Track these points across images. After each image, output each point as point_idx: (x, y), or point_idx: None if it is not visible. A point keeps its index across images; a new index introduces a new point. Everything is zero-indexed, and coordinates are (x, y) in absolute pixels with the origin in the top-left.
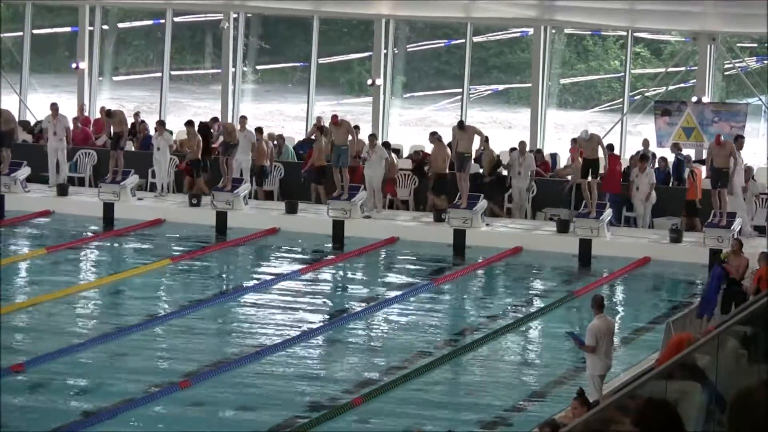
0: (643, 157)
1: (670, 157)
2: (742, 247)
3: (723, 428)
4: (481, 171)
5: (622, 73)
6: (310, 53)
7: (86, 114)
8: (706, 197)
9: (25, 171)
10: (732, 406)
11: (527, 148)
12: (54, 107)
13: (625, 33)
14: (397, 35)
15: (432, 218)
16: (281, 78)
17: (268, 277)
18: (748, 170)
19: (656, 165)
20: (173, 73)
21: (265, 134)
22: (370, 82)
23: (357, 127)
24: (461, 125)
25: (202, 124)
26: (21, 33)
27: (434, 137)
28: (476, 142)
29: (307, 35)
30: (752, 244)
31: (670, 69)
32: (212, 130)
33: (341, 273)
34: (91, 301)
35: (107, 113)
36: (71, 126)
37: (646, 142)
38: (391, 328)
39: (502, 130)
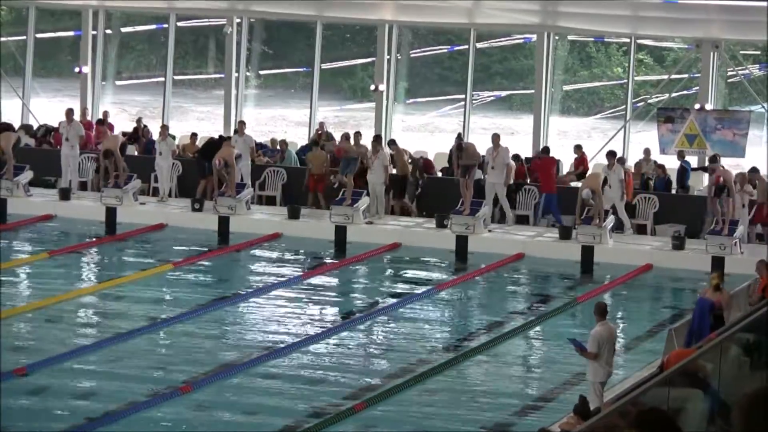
0: (610, 154)
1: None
2: (722, 281)
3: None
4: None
5: (625, 80)
6: (313, 58)
7: (89, 118)
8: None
9: (27, 175)
10: (743, 405)
11: (500, 142)
12: (69, 113)
13: (628, 40)
14: (400, 41)
15: (434, 224)
16: (284, 83)
17: (271, 282)
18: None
19: (657, 172)
20: (176, 77)
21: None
22: (372, 87)
23: (359, 133)
24: (459, 147)
25: (217, 139)
26: (24, 37)
27: (391, 144)
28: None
29: (310, 40)
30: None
31: (673, 76)
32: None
33: (343, 278)
34: (93, 306)
35: (104, 154)
36: (83, 133)
37: (647, 151)
38: (393, 333)
39: (505, 136)
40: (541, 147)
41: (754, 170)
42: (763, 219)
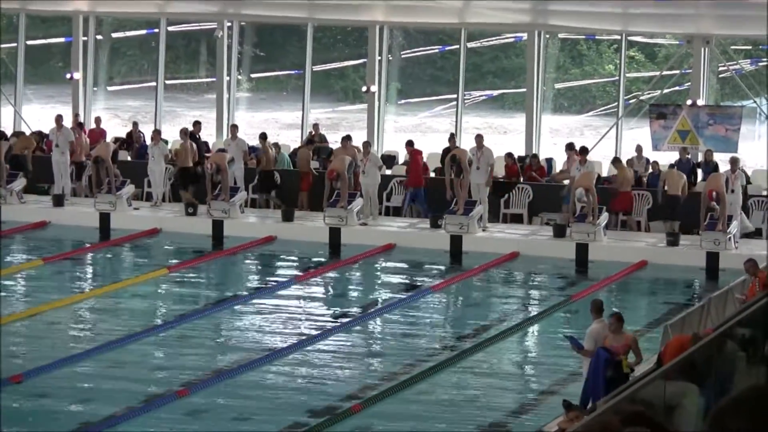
0: (582, 150)
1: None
2: (623, 323)
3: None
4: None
5: (617, 77)
6: (305, 61)
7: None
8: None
9: (21, 182)
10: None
11: (484, 142)
12: (58, 119)
13: (619, 37)
14: (391, 42)
15: (428, 224)
16: (276, 86)
17: (266, 286)
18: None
19: (650, 169)
20: (168, 82)
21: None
22: (364, 88)
23: (348, 137)
24: (453, 158)
25: (190, 133)
26: (15, 44)
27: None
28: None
29: (301, 43)
30: (749, 246)
31: (665, 72)
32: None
33: (338, 280)
34: (89, 312)
35: (94, 161)
36: (73, 139)
37: (639, 148)
38: (389, 334)
39: (498, 135)
40: (406, 140)
41: (616, 160)
42: (624, 207)
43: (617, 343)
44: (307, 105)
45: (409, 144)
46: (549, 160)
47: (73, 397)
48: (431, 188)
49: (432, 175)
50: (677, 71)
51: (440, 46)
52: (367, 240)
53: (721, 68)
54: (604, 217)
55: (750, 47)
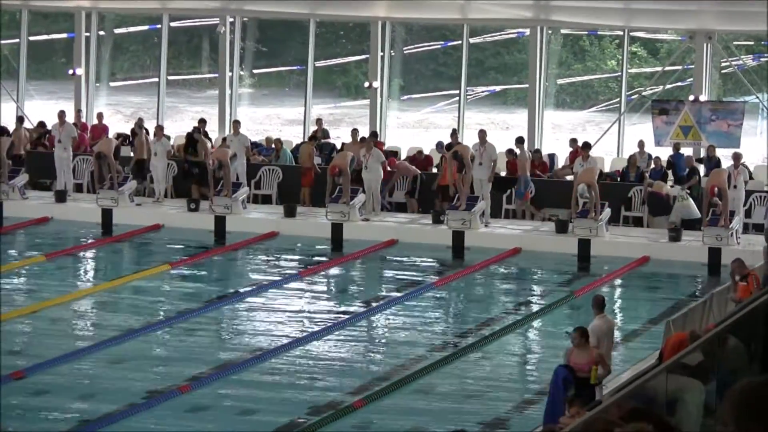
0: (585, 146)
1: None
2: (588, 339)
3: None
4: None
5: (619, 73)
6: (307, 56)
7: (83, 120)
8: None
9: (23, 178)
10: (733, 400)
11: (487, 138)
12: (60, 115)
13: (621, 32)
14: (393, 37)
15: (431, 220)
16: (278, 81)
17: (268, 281)
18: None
19: (652, 164)
20: (170, 78)
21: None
22: (367, 84)
23: (356, 130)
24: (455, 155)
25: (194, 129)
26: (17, 40)
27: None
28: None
29: (303, 38)
30: (751, 241)
31: (667, 68)
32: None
33: (341, 276)
34: (91, 308)
35: (96, 157)
36: (76, 134)
37: (641, 144)
38: (391, 330)
39: (500, 131)
40: (370, 131)
41: (586, 146)
42: None
43: (581, 359)
44: (309, 101)
45: (373, 135)
46: (551, 156)
47: (74, 393)
48: (430, 183)
49: (435, 170)
50: (679, 67)
51: (442, 42)
52: (369, 235)
53: (723, 64)
54: (607, 213)
55: (752, 43)
